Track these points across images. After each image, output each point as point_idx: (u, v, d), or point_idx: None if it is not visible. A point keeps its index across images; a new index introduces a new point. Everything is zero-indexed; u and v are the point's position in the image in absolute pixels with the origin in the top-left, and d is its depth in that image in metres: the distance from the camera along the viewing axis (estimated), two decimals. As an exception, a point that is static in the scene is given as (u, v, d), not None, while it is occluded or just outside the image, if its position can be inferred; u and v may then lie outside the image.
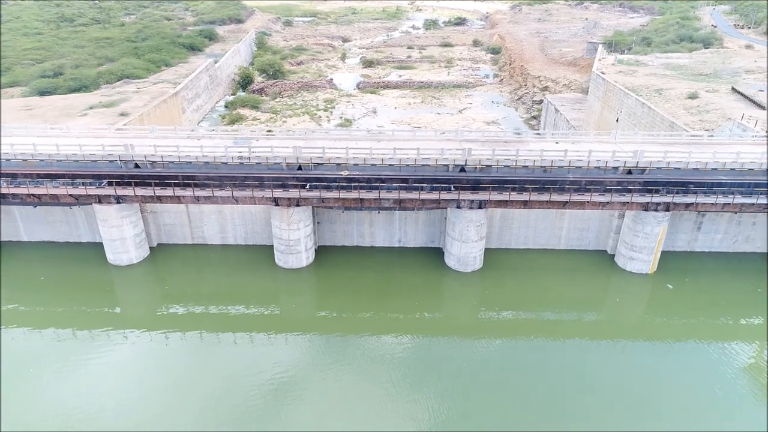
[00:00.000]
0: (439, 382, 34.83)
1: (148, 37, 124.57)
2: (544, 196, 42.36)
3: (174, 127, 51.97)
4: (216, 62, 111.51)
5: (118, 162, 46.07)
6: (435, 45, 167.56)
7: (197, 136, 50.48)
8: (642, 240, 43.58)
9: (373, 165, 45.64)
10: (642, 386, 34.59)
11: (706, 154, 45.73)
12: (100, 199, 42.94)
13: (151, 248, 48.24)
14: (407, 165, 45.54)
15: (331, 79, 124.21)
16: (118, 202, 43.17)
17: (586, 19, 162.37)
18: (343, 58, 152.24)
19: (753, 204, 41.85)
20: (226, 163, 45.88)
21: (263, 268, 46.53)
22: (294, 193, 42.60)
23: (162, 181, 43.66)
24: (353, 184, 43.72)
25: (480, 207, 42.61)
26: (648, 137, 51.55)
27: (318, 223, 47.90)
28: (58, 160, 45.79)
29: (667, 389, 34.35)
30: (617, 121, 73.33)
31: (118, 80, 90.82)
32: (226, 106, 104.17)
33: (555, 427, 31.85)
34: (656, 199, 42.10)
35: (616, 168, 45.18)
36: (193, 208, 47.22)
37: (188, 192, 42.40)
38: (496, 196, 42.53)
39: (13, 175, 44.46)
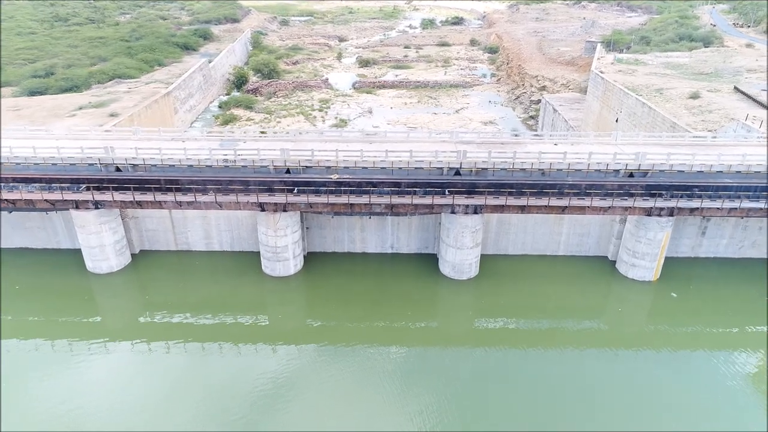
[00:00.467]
0: (434, 393, 33.37)
1: (142, 36, 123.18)
2: (543, 201, 40.52)
3: (158, 128, 49.99)
4: (210, 62, 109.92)
5: (98, 165, 44.13)
6: (432, 44, 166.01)
7: (182, 138, 48.51)
8: (645, 246, 41.76)
9: (364, 168, 43.80)
10: (645, 398, 33.02)
11: (710, 156, 43.98)
12: (77, 205, 40.96)
13: (133, 255, 46.25)
14: (400, 168, 43.70)
15: (327, 79, 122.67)
16: (97, 208, 41.21)
17: (584, 18, 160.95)
18: (339, 57, 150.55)
19: (761, 209, 40.06)
20: (210, 166, 44.00)
21: (250, 276, 44.61)
22: (281, 198, 40.68)
23: (142, 185, 41.76)
24: (343, 188, 41.84)
25: (475, 212, 40.75)
26: (650, 138, 49.78)
27: (307, 228, 46.00)
28: (35, 164, 43.83)
29: (670, 401, 32.81)
30: (617, 121, 71.59)
31: (110, 80, 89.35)
32: (220, 107, 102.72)
33: (555, 442, 30.17)
34: (659, 203, 40.29)
35: (617, 171, 43.39)
36: (177, 214, 45.27)
37: (169, 197, 40.45)
38: (492, 200, 40.67)
39: (-13, 180, 42.51)
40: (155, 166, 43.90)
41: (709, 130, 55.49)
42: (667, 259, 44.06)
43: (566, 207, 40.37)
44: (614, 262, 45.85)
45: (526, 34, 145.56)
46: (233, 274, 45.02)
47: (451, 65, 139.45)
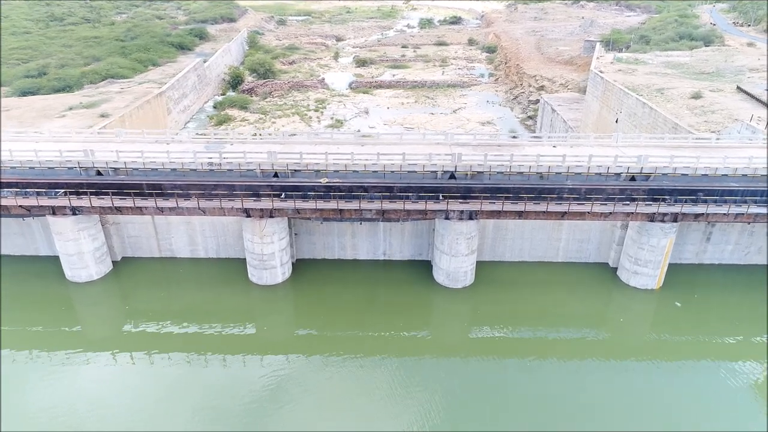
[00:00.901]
0: (427, 406, 32.02)
1: (137, 36, 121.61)
2: (541, 206, 38.76)
3: (142, 130, 48.14)
4: (205, 61, 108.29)
5: (78, 169, 42.34)
6: (430, 44, 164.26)
7: (166, 141, 46.69)
8: (647, 253, 40.02)
9: (355, 171, 42.07)
10: (647, 411, 31.62)
11: (715, 159, 42.29)
12: (54, 211, 39.12)
13: (114, 262, 44.43)
14: (392, 171, 41.96)
15: (323, 79, 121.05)
16: (75, 214, 39.36)
17: (583, 17, 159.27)
18: (336, 57, 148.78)
19: (768, 214, 38.39)
20: (195, 170, 42.24)
21: (237, 284, 42.83)
22: (267, 203, 38.89)
23: (123, 190, 39.94)
24: (333, 193, 40.08)
25: (470, 218, 38.98)
26: (652, 140, 48.04)
27: (296, 234, 44.20)
28: (11, 167, 42.01)
29: (674, 414, 31.49)
30: (617, 121, 69.88)
31: (103, 80, 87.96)
32: (214, 107, 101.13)
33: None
34: (663, 209, 38.56)
35: (618, 174, 41.69)
36: (160, 219, 43.45)
37: (150, 202, 38.63)
38: (488, 206, 38.91)
39: (-40, 184, 40.69)
40: (137, 169, 42.14)
41: (712, 131, 53.80)
42: (670, 265, 42.30)
43: (566, 213, 38.61)
44: (615, 269, 44.11)
45: (525, 34, 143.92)
46: (219, 283, 43.25)
47: (448, 65, 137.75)
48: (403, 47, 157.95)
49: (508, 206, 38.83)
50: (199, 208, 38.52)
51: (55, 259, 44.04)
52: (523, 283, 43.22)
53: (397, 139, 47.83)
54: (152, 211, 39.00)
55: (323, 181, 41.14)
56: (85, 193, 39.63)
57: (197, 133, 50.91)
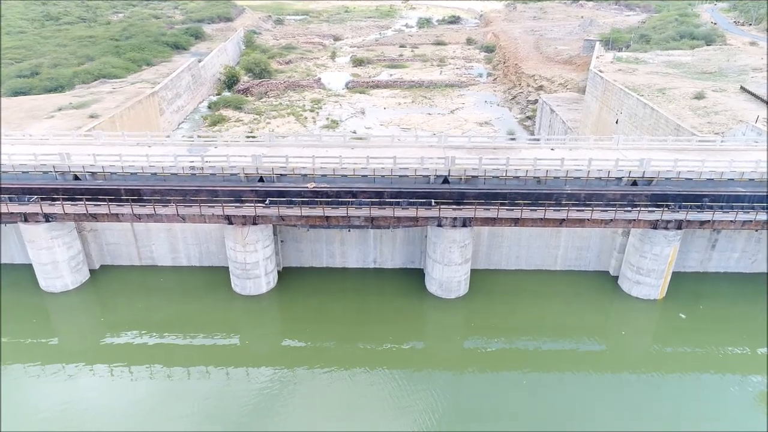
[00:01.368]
0: (420, 421, 30.47)
1: (132, 35, 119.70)
2: (538, 213, 36.84)
3: (122, 132, 46.21)
4: (200, 61, 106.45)
5: (54, 173, 40.40)
6: (428, 43, 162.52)
7: (148, 143, 44.75)
8: (650, 262, 38.09)
9: (343, 176, 40.14)
10: (650, 427, 30.07)
11: (721, 163, 40.39)
12: (26, 218, 37.16)
13: (92, 271, 42.49)
14: (383, 176, 40.04)
15: (320, 79, 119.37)
16: (48, 221, 37.40)
17: (582, 16, 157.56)
18: (333, 56, 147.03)
19: (778, 221, 36.45)
20: (176, 174, 40.30)
21: (220, 294, 40.88)
22: (249, 210, 36.94)
23: (100, 196, 38.01)
24: (320, 198, 38.15)
25: (464, 225, 37.04)
26: (654, 143, 46.14)
27: (282, 241, 42.25)
28: (-17, 172, 40.07)
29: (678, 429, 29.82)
30: (617, 122, 67.97)
31: (95, 80, 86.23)
32: (209, 107, 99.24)
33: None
34: (667, 215, 36.62)
35: (619, 179, 39.79)
36: (140, 226, 41.49)
37: (126, 209, 36.67)
38: (482, 212, 36.97)
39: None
40: (115, 174, 40.20)
41: (716, 133, 51.87)
42: (673, 274, 40.27)
43: (564, 220, 36.68)
44: (616, 277, 42.18)
45: (523, 33, 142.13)
46: (202, 292, 41.31)
47: (446, 64, 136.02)
48: (401, 47, 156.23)
49: (504, 213, 36.90)
50: (178, 215, 36.56)
51: (30, 268, 42.02)
52: (519, 293, 41.30)
53: (388, 142, 45.90)
54: (129, 218, 37.05)
55: (310, 186, 39.22)
56: (59, 199, 37.70)
57: (183, 136, 49.11)
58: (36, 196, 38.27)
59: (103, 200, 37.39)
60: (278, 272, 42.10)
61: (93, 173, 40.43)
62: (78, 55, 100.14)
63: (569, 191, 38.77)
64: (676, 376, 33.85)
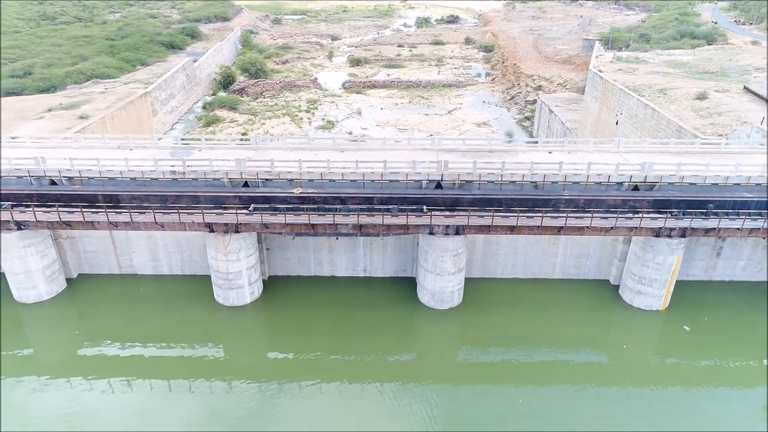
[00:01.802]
0: None
1: (128, 35, 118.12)
2: (535, 220, 35.05)
3: (102, 135, 44.45)
4: (195, 61, 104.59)
5: (29, 178, 38.62)
6: (426, 43, 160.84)
7: (129, 146, 42.96)
8: (652, 271, 36.32)
9: (332, 181, 38.40)
10: None
11: (726, 166, 38.69)
12: (-4, 226, 35.39)
13: (69, 280, 40.71)
14: (372, 181, 38.29)
15: (316, 79, 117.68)
16: (20, 228, 35.61)
17: (581, 16, 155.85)
18: (330, 56, 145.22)
19: (786, 229, 34.69)
20: (156, 179, 38.53)
21: (203, 304, 39.12)
22: (231, 218, 35.15)
23: (76, 201, 36.18)
24: (306, 204, 36.39)
25: (457, 233, 35.26)
26: (656, 146, 44.39)
27: (267, 249, 40.47)
28: (-45, 177, 38.31)
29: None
30: (617, 123, 66.22)
31: (87, 80, 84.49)
32: (204, 107, 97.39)
33: None
34: (670, 223, 34.84)
35: (620, 184, 38.04)
36: (118, 233, 39.70)
37: (101, 216, 34.87)
38: (476, 219, 35.19)
39: None
40: (93, 179, 38.43)
41: (720, 135, 50.10)
42: (676, 282, 38.54)
43: (562, 227, 34.90)
44: (617, 287, 40.41)
45: (522, 33, 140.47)
46: (184, 302, 39.57)
47: (444, 64, 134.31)
48: (398, 46, 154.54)
49: (499, 220, 35.13)
50: (156, 223, 34.78)
51: (4, 278, 40.28)
52: (516, 303, 39.57)
53: (379, 145, 44.11)
54: (105, 226, 35.24)
55: (297, 191, 37.45)
56: (37, 205, 35.90)
57: (171, 139, 47.20)
58: (8, 203, 36.45)
59: (79, 206, 35.58)
60: (263, 281, 40.35)
61: (70, 178, 38.67)
62: (72, 55, 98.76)
63: (568, 197, 37.01)
64: (679, 390, 32.33)
